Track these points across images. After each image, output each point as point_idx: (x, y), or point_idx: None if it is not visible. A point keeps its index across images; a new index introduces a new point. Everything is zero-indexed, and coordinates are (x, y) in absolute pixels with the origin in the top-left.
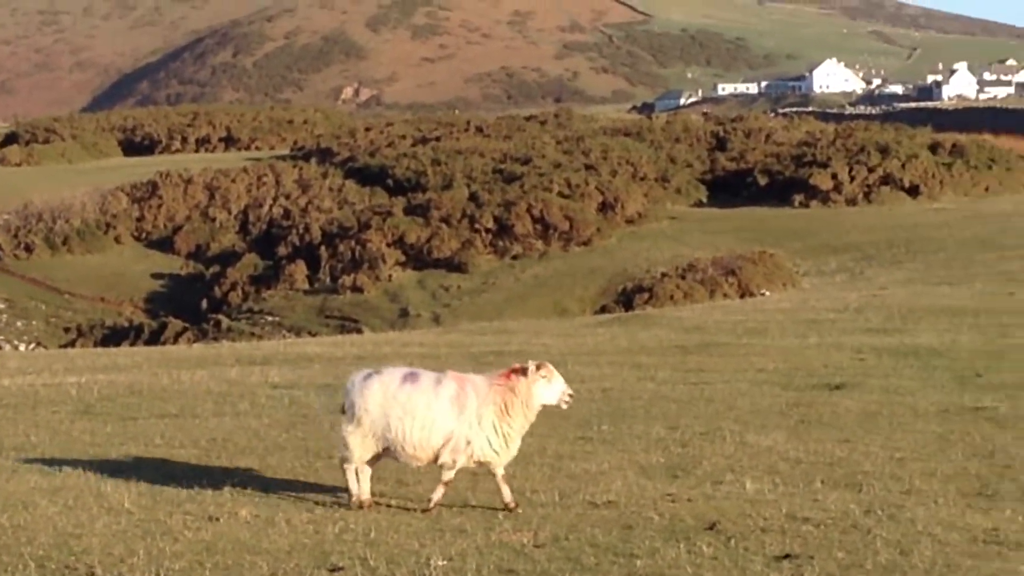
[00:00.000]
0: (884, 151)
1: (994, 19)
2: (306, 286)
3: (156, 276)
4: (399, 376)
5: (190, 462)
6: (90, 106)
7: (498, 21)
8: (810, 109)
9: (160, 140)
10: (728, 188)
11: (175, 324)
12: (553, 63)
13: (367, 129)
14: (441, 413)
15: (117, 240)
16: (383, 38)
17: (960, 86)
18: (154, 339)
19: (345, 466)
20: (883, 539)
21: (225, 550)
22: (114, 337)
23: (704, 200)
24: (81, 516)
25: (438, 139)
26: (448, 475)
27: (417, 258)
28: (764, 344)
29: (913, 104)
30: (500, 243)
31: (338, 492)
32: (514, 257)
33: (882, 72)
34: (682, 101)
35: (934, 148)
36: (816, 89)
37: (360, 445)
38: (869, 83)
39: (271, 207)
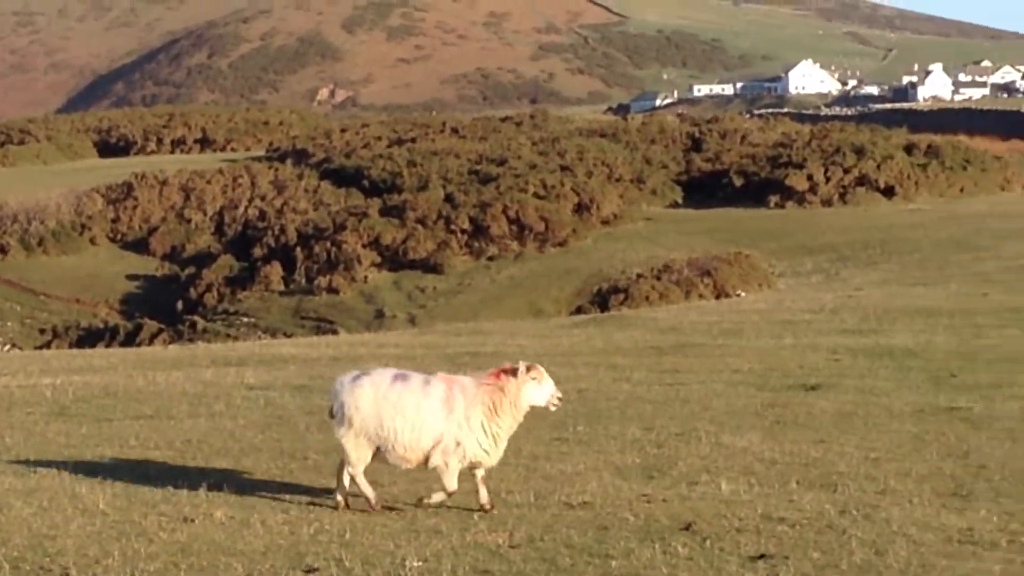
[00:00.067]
0: (859, 152)
1: (969, 20)
2: (282, 287)
3: (131, 277)
4: (389, 376)
5: (165, 463)
6: (65, 107)
7: (474, 22)
8: (785, 110)
9: (135, 141)
10: (703, 189)
11: (150, 325)
12: (529, 64)
13: (343, 130)
14: (431, 414)
15: (92, 241)
16: (359, 39)
17: (935, 87)
18: (129, 340)
19: (351, 471)
20: (858, 539)
21: (200, 551)
22: (89, 338)
23: (679, 201)
24: (56, 517)
25: (414, 140)
26: (449, 482)
27: (393, 259)
28: (739, 345)
29: (888, 105)
30: (476, 244)
31: (314, 493)
32: (490, 258)
33: (857, 73)
34: (658, 102)
35: (909, 149)
36: (792, 90)
37: (355, 446)
38: (845, 84)
39: (247, 208)
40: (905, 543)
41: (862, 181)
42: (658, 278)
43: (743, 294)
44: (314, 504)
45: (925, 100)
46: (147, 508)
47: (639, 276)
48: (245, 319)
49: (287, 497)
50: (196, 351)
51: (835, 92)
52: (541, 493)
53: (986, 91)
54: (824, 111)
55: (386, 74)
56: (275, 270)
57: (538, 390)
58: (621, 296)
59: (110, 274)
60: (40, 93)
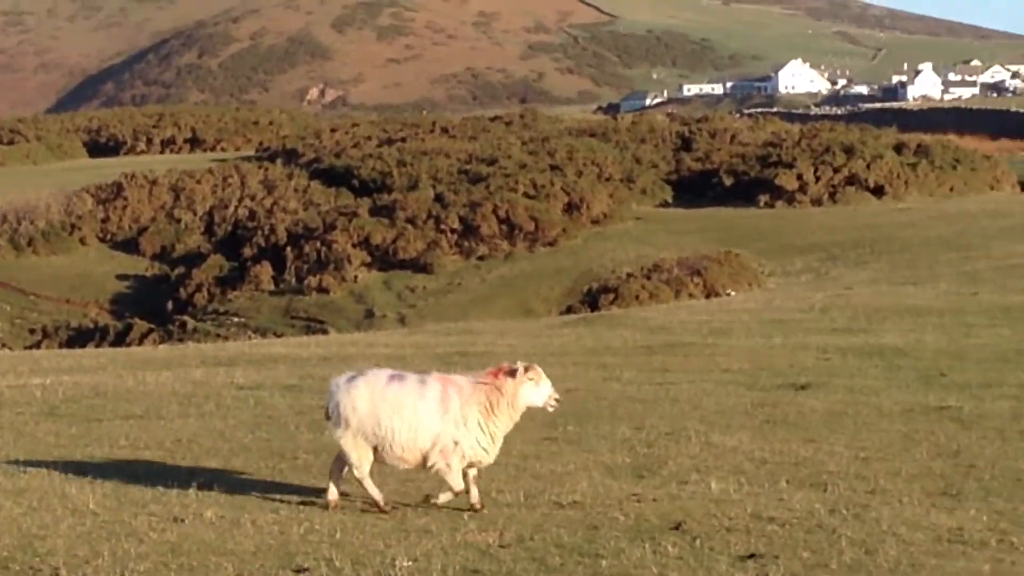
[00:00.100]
0: (849, 151)
1: (959, 20)
2: (272, 287)
3: (121, 277)
4: (384, 376)
5: (155, 463)
6: (55, 107)
7: (463, 22)
8: (775, 110)
9: (125, 141)
10: (693, 188)
11: (140, 325)
12: (518, 64)
13: (332, 130)
14: (427, 415)
15: (82, 241)
16: (348, 39)
17: (925, 87)
18: (119, 340)
19: (356, 473)
20: (848, 538)
21: (190, 551)
22: (79, 338)
23: (669, 200)
24: (45, 517)
25: (403, 140)
26: (455, 482)
27: (383, 259)
28: (729, 344)
29: (878, 104)
30: (466, 244)
31: (304, 493)
32: (480, 258)
33: (847, 73)
34: (648, 102)
35: (899, 148)
36: (781, 90)
37: (355, 447)
38: (834, 84)
39: (236, 208)
40: (895, 542)
41: (852, 180)
42: (648, 277)
43: (733, 293)
44: (304, 504)
45: (915, 99)
46: (137, 508)
47: (629, 275)
48: (235, 319)
49: (277, 497)
50: (186, 351)
51: (825, 92)
52: (531, 493)
53: (975, 90)
54: (814, 110)
55: (376, 74)
56: (265, 270)
57: (535, 391)
58: (611, 295)
59: (100, 274)
60: (30, 93)
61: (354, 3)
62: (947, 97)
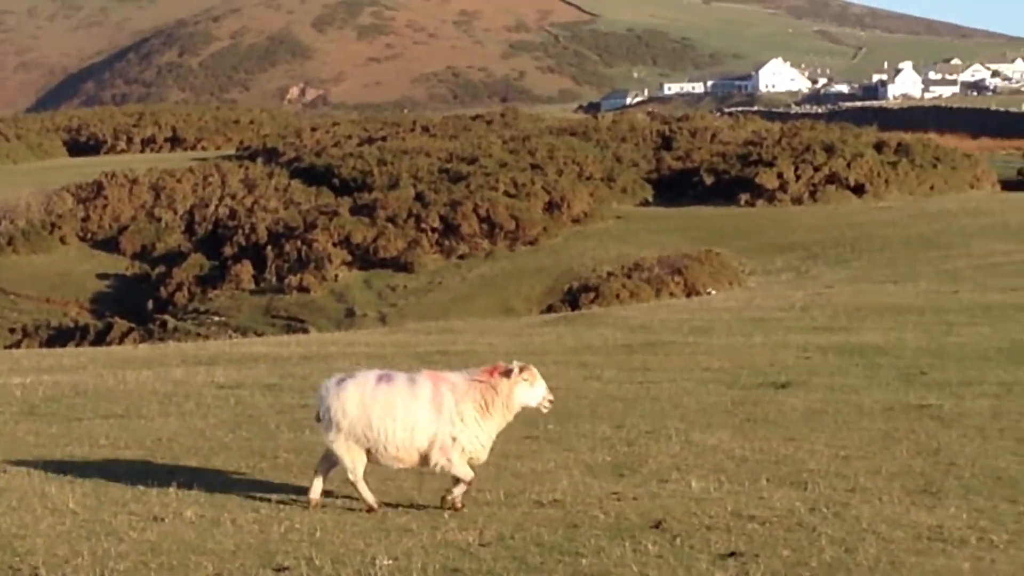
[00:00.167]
0: (830, 150)
1: (939, 18)
2: (252, 286)
3: (102, 276)
4: (373, 377)
5: (135, 462)
6: (35, 106)
7: (444, 21)
8: (756, 108)
9: (105, 140)
10: (674, 187)
11: (121, 324)
12: (499, 63)
13: (313, 129)
14: (421, 414)
15: (62, 240)
16: (329, 38)
17: (905, 85)
18: (100, 340)
19: (350, 476)
20: (828, 537)
21: (170, 550)
22: (60, 338)
23: (650, 199)
24: (25, 517)
25: (384, 139)
26: (463, 473)
27: (363, 258)
28: (710, 343)
29: (859, 103)
30: (446, 243)
31: (284, 492)
32: (460, 257)
33: (828, 71)
34: (628, 100)
35: (879, 147)
36: (762, 88)
37: (347, 450)
38: (815, 82)
39: (217, 207)
40: (875, 540)
41: (832, 179)
42: (628, 276)
43: (713, 292)
44: (284, 503)
45: (895, 98)
46: (117, 507)
47: (610, 274)
48: (216, 318)
49: (257, 496)
50: (166, 350)
51: (805, 90)
52: (511, 491)
53: (956, 89)
54: (794, 109)
55: (357, 73)
56: (245, 269)
57: (530, 391)
58: (592, 294)
59: (80, 273)
60: (10, 92)
61: (334, 2)
62: (927, 96)
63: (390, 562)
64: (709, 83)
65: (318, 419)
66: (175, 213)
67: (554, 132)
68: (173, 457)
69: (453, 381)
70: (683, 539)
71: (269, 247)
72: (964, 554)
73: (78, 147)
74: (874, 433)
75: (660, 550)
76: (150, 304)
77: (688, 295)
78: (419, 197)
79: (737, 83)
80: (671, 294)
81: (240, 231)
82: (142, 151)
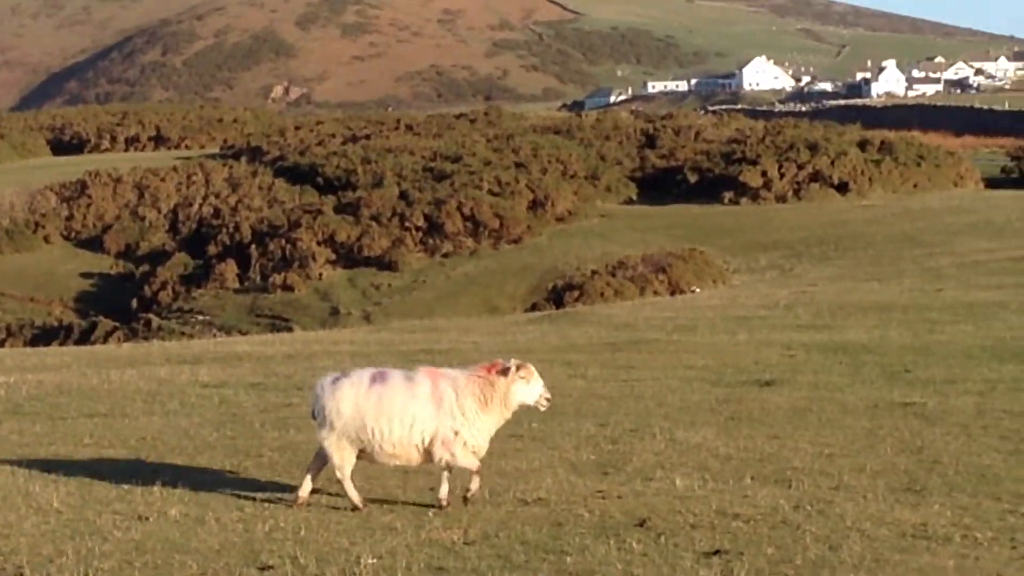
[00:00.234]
0: (813, 148)
1: (922, 17)
2: (236, 285)
3: (86, 275)
4: (368, 376)
5: (119, 461)
6: (18, 105)
7: (428, 19)
8: (740, 107)
9: (89, 139)
10: (658, 186)
11: (105, 323)
12: (483, 61)
13: (297, 128)
14: (421, 410)
15: (46, 239)
16: (313, 36)
17: (889, 83)
18: (84, 339)
19: (338, 474)
20: (812, 534)
21: (154, 549)
22: (44, 337)
23: (634, 198)
24: (9, 516)
25: (368, 138)
26: (468, 463)
27: (347, 256)
28: (694, 341)
29: (842, 101)
30: (430, 241)
31: (269, 491)
32: (445, 255)
33: (811, 69)
34: (612, 99)
35: (863, 145)
36: (746, 87)
37: (338, 448)
38: (798, 80)
39: (201, 206)
40: (859, 538)
41: (816, 177)
42: (613, 274)
43: (697, 290)
44: (269, 501)
45: (879, 96)
46: (101, 506)
47: (594, 273)
48: (200, 317)
49: (242, 494)
50: (150, 349)
51: (789, 88)
52: (496, 490)
53: (939, 87)
54: (778, 107)
55: (340, 71)
56: (230, 268)
57: (527, 389)
58: (576, 293)
59: (64, 272)
60: None
61: (318, 1)
62: (911, 94)
63: (375, 560)
64: (693, 81)
65: (313, 417)
66: (159, 212)
67: (538, 131)
68: (157, 456)
69: (452, 376)
70: (668, 537)
71: (253, 246)
72: (948, 551)
73: (62, 146)
74: (858, 431)
75: (645, 548)
76: (134, 303)
77: (672, 293)
78: (403, 196)
79: (721, 81)
80: (655, 292)
81: (224, 230)
82: (126, 150)
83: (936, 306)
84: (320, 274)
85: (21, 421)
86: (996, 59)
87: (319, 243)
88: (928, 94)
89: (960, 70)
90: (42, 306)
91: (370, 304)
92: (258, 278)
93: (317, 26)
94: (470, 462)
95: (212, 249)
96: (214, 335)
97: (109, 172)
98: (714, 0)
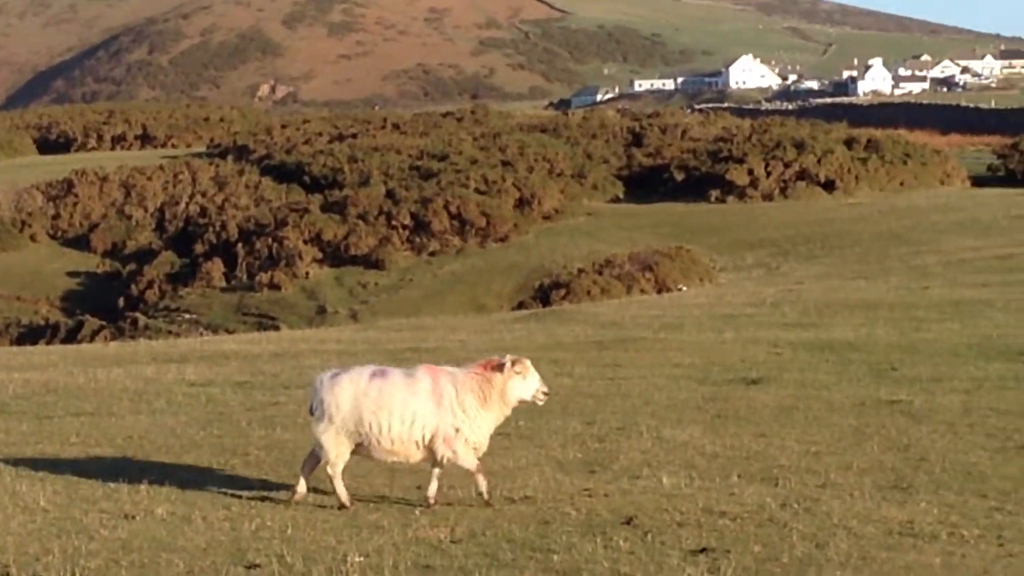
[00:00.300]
0: (800, 146)
1: (908, 15)
2: (223, 284)
3: (72, 274)
4: (368, 372)
5: (106, 460)
6: (4, 104)
7: (415, 18)
8: (726, 105)
9: (76, 138)
10: (645, 184)
11: (92, 322)
12: (470, 60)
13: (283, 126)
14: (421, 406)
15: (33, 238)
16: (299, 35)
17: (875, 82)
18: (71, 337)
19: (330, 470)
20: (799, 532)
21: (141, 548)
22: (30, 335)
23: (621, 196)
24: None
25: (354, 136)
26: (469, 463)
27: (334, 255)
28: (681, 339)
29: (829, 100)
30: (417, 240)
31: (255, 489)
32: (431, 254)
33: (798, 68)
34: (599, 97)
35: (849, 143)
36: (732, 85)
37: (335, 444)
38: (785, 79)
39: (188, 205)
40: (846, 536)
41: (802, 175)
42: (599, 273)
43: (684, 288)
44: (256, 500)
45: (865, 94)
46: (88, 505)
47: (580, 271)
48: (186, 315)
49: (228, 493)
50: (137, 348)
51: (775, 87)
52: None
53: (926, 85)
54: (764, 106)
55: (327, 70)
56: (216, 266)
57: (523, 385)
58: (562, 291)
59: (51, 271)
60: None
61: None
62: (897, 92)
63: (361, 559)
64: (679, 80)
65: (311, 412)
66: (146, 211)
67: (525, 129)
68: (144, 454)
69: (452, 373)
70: (654, 535)
71: (240, 244)
72: (935, 549)
73: (48, 145)
74: (845, 429)
75: (631, 546)
76: (121, 302)
77: (659, 291)
78: (390, 194)
79: (707, 80)
80: (642, 290)
81: (211, 228)
82: (112, 149)
83: (923, 304)
84: (307, 273)
85: (7, 420)
86: (982, 57)
87: (306, 242)
88: (914, 92)
89: (946, 68)
90: (28, 305)
91: (357, 303)
92: (245, 277)
93: (304, 25)
94: (471, 462)
95: (199, 248)
96: (201, 334)
97: (96, 171)
98: None
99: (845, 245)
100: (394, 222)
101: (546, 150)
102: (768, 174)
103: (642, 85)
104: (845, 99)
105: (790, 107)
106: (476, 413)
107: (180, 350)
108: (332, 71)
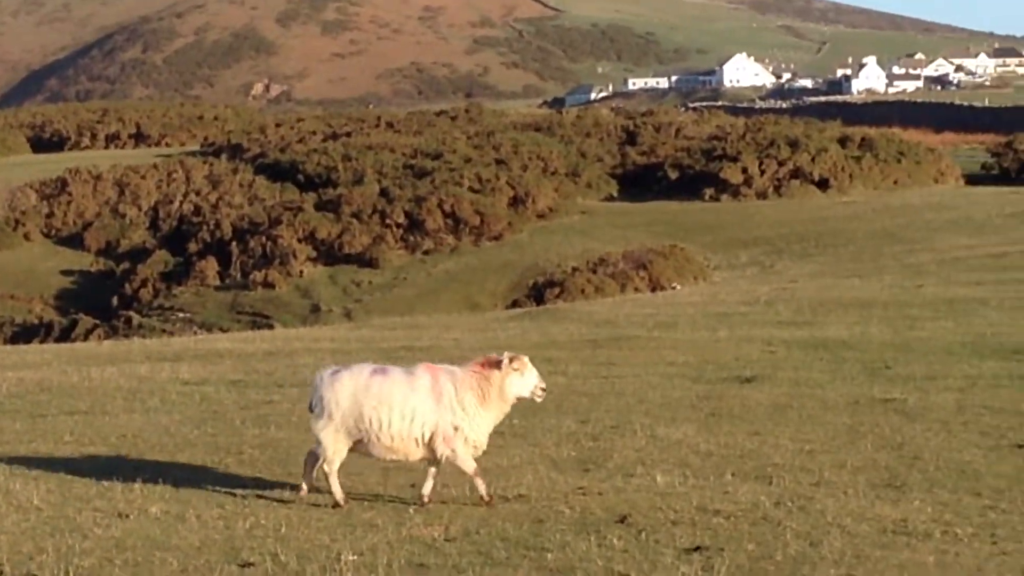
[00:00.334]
0: (794, 145)
1: (902, 13)
2: (217, 282)
3: (66, 273)
4: (368, 369)
5: (100, 459)
6: None
7: (408, 17)
8: (720, 103)
9: (69, 137)
10: (639, 182)
11: (85, 321)
12: (464, 58)
13: (277, 125)
14: (421, 404)
15: (26, 237)
16: (293, 34)
17: (869, 80)
18: (64, 336)
19: (326, 467)
20: (793, 531)
21: (135, 547)
22: (24, 334)
23: (615, 194)
24: None
25: (348, 135)
26: (467, 466)
27: (328, 253)
28: (675, 337)
29: (823, 98)
30: (411, 238)
31: (249, 488)
32: (425, 252)
33: (792, 66)
34: (592, 96)
35: (843, 142)
36: (726, 83)
37: (334, 440)
38: (779, 77)
39: (181, 203)
40: (840, 534)
41: (796, 174)
42: (593, 271)
43: (678, 287)
44: (250, 499)
45: (859, 93)
46: (82, 504)
47: (574, 269)
48: (180, 314)
49: (223, 492)
50: (131, 346)
51: (769, 85)
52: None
53: (920, 84)
54: (758, 104)
55: (321, 69)
56: (210, 265)
57: (521, 382)
58: (556, 289)
59: (44, 270)
60: None
61: None
62: (891, 90)
63: (355, 557)
64: (673, 78)
65: (311, 409)
66: (139, 209)
67: (518, 127)
68: (138, 453)
69: (452, 371)
70: (648, 533)
71: (234, 243)
72: (928, 547)
73: (42, 143)
74: (839, 427)
75: (625, 544)
76: (115, 301)
77: (653, 290)
78: (384, 193)
79: (701, 78)
80: (636, 289)
81: (205, 227)
82: (106, 147)
83: (916, 302)
84: (301, 271)
85: (1, 418)
86: (976, 56)
87: (300, 240)
88: (908, 91)
89: (940, 67)
90: (22, 303)
91: (351, 301)
92: (239, 275)
93: (297, 23)
94: (469, 464)
95: (193, 246)
96: (195, 332)
97: (89, 170)
98: None
99: (839, 243)
100: (388, 221)
101: (540, 148)
102: (762, 172)
103: (636, 83)
104: (839, 97)
105: (784, 105)
106: (475, 411)
107: (174, 349)
108: (326, 70)
